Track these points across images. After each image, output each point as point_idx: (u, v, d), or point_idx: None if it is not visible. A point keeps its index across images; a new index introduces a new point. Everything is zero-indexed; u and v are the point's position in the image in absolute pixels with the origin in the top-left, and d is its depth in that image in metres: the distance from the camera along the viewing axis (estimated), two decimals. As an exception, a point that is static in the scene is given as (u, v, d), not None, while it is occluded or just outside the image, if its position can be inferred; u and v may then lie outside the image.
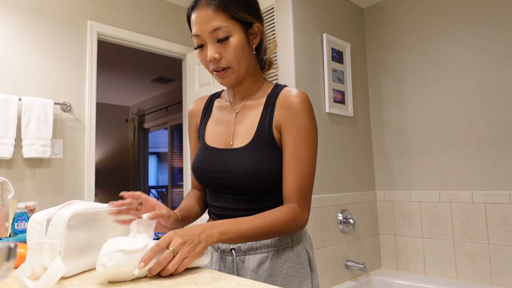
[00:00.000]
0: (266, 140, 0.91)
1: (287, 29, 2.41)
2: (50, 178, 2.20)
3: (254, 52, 0.96)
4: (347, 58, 2.78)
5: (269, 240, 0.90)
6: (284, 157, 0.90)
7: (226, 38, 0.88)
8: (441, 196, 2.55)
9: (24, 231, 1.31)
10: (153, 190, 6.35)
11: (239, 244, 0.92)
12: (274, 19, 2.49)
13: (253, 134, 0.92)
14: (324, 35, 2.60)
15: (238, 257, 0.93)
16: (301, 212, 0.88)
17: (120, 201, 0.82)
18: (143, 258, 0.67)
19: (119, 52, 3.90)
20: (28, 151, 2.07)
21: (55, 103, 2.20)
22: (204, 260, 0.75)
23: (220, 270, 0.94)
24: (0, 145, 1.98)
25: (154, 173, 6.45)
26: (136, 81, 5.15)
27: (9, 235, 1.36)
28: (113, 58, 4.14)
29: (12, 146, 2.02)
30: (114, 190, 5.89)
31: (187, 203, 1.02)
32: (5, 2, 2.13)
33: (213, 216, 0.99)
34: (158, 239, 0.73)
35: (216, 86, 2.65)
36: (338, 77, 2.68)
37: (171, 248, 0.69)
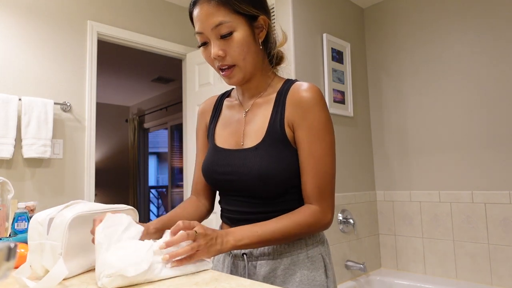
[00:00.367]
0: (278, 139, 0.86)
1: (287, 29, 2.41)
2: (50, 178, 2.20)
3: (261, 47, 0.90)
4: (347, 58, 2.78)
5: (282, 244, 0.86)
6: (300, 157, 0.85)
7: (230, 34, 0.84)
8: (441, 196, 2.55)
9: (24, 231, 1.31)
10: (153, 190, 6.35)
11: (251, 249, 0.87)
12: (274, 19, 2.49)
13: (263, 133, 0.88)
14: (324, 35, 2.60)
15: (250, 263, 0.88)
16: (322, 213, 0.83)
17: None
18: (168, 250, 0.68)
19: (119, 52, 3.90)
20: (28, 151, 2.07)
21: (55, 103, 2.20)
22: (206, 265, 0.73)
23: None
24: (0, 145, 1.98)
25: (154, 173, 6.45)
26: (136, 81, 5.15)
27: (9, 235, 1.36)
28: (113, 58, 4.14)
29: (12, 146, 2.02)
30: (114, 190, 5.89)
31: (175, 213, 0.95)
32: (5, 2, 2.13)
33: (225, 220, 0.96)
34: None
35: (215, 86, 2.67)
36: (338, 77, 2.68)
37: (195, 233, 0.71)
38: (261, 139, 0.87)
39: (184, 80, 2.99)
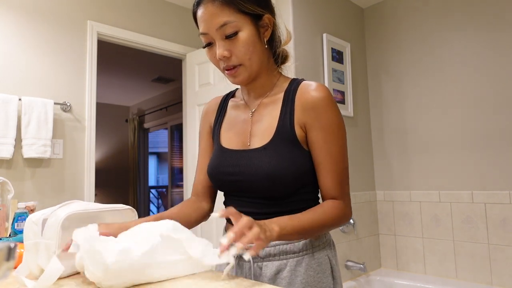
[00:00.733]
0: (288, 139, 0.85)
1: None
2: (50, 178, 2.20)
3: (267, 46, 0.90)
4: (347, 58, 2.78)
5: (288, 245, 0.86)
6: (317, 157, 0.85)
7: (235, 34, 0.83)
8: (441, 196, 2.55)
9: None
10: (153, 190, 6.35)
11: None
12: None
13: (272, 133, 0.87)
14: (324, 35, 2.60)
15: (255, 264, 0.87)
16: (347, 208, 0.86)
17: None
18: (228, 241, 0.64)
19: (119, 52, 3.90)
20: (28, 151, 2.07)
21: (55, 103, 2.20)
22: (208, 266, 0.71)
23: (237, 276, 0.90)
24: (0, 145, 1.98)
25: (154, 173, 6.45)
26: (136, 81, 5.15)
27: (9, 235, 1.36)
28: (113, 58, 4.14)
29: (12, 146, 2.02)
30: (114, 190, 5.89)
31: (170, 213, 0.92)
32: (5, 2, 2.13)
33: (231, 222, 0.93)
34: None
35: (215, 86, 2.67)
36: (338, 77, 2.68)
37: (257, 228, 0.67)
38: (270, 139, 0.86)
39: (184, 80, 2.99)
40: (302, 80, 0.93)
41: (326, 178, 0.86)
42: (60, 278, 0.69)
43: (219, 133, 0.99)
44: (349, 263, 2.54)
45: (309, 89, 0.87)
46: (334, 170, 0.85)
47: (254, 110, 0.94)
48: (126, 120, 6.29)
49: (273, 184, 0.83)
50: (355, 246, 2.65)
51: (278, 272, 0.85)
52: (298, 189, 0.87)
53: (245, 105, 0.98)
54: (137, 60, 4.28)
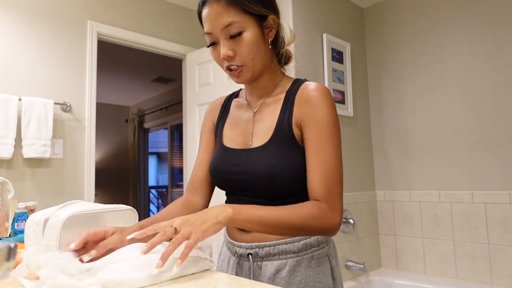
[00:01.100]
0: (286, 138, 0.86)
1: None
2: (50, 178, 2.20)
3: (270, 46, 0.90)
4: (347, 58, 2.78)
5: (288, 245, 0.86)
6: (308, 154, 0.83)
7: (239, 34, 0.83)
8: (441, 196, 2.55)
9: (24, 231, 1.31)
10: (153, 190, 6.35)
11: (257, 250, 0.87)
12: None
13: (271, 132, 0.87)
14: (324, 35, 2.60)
15: (255, 263, 0.88)
16: (331, 211, 0.79)
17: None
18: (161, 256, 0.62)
19: (119, 52, 3.90)
20: (28, 151, 2.07)
21: (55, 103, 2.20)
22: (207, 265, 0.71)
23: (237, 276, 0.89)
24: (0, 145, 1.98)
25: (154, 173, 6.45)
26: (136, 81, 5.15)
27: (9, 235, 1.36)
28: (113, 58, 4.14)
29: (12, 146, 2.02)
30: (114, 190, 5.89)
31: (160, 216, 0.90)
32: (5, 2, 2.13)
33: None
34: None
35: (215, 86, 2.67)
36: (338, 77, 2.68)
37: (174, 225, 0.66)
38: (269, 138, 0.87)
39: (184, 80, 2.99)
40: (305, 80, 0.93)
41: (313, 177, 0.82)
42: None
43: (222, 132, 0.99)
44: (349, 263, 2.54)
45: (308, 88, 0.88)
46: (321, 170, 0.81)
47: (256, 110, 0.95)
48: (126, 120, 6.29)
49: (272, 183, 0.84)
50: (355, 246, 2.65)
51: (277, 271, 0.86)
52: (298, 188, 0.87)
53: (248, 105, 0.98)
54: (137, 60, 4.28)
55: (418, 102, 2.72)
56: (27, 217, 1.34)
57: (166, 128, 5.84)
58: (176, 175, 5.75)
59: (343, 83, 2.72)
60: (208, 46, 0.89)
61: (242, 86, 1.02)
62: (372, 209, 2.86)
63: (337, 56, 2.69)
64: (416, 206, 2.67)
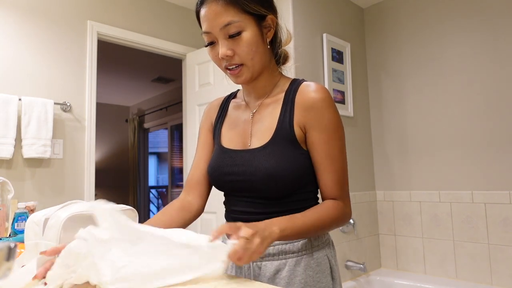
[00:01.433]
0: (287, 138, 0.86)
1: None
2: (50, 178, 2.20)
3: (269, 46, 0.90)
4: (347, 58, 2.78)
5: (287, 245, 0.86)
6: (317, 157, 0.86)
7: (238, 34, 0.83)
8: (441, 196, 2.55)
9: (24, 231, 1.31)
10: (153, 190, 6.35)
11: None
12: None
13: (272, 133, 0.87)
14: (324, 35, 2.60)
15: (255, 263, 0.87)
16: (346, 208, 0.87)
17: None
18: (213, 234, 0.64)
19: (119, 52, 3.90)
20: (28, 151, 2.07)
21: (55, 103, 2.20)
22: (220, 271, 0.69)
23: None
24: (0, 145, 1.98)
25: (154, 173, 6.45)
26: (136, 81, 5.15)
27: (9, 235, 1.36)
28: (113, 58, 4.14)
29: (12, 146, 2.02)
30: (114, 190, 5.89)
31: (157, 219, 0.90)
32: (5, 2, 2.13)
33: (231, 221, 0.92)
34: None
35: (215, 86, 2.67)
36: (338, 77, 2.68)
37: (246, 235, 0.65)
38: (269, 138, 0.87)
39: (184, 80, 2.99)
40: (303, 80, 0.93)
41: (325, 179, 0.86)
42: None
43: (220, 133, 0.99)
44: (349, 263, 2.54)
45: (309, 90, 0.88)
46: (333, 171, 0.86)
47: (255, 111, 0.94)
48: (126, 120, 6.29)
49: (272, 183, 0.84)
50: (355, 246, 2.65)
51: (277, 272, 0.85)
52: (298, 189, 0.87)
53: (246, 105, 0.98)
54: (137, 60, 4.28)
55: (418, 102, 2.72)
56: (27, 217, 1.34)
57: (166, 128, 5.84)
58: (176, 175, 5.75)
59: (343, 83, 2.72)
60: (206, 46, 0.89)
61: (240, 86, 1.01)
62: (372, 209, 2.86)
63: (337, 56, 2.69)
64: (416, 206, 2.67)
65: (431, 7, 2.68)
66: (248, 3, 0.83)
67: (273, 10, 0.90)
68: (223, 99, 1.07)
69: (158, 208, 6.35)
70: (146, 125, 6.14)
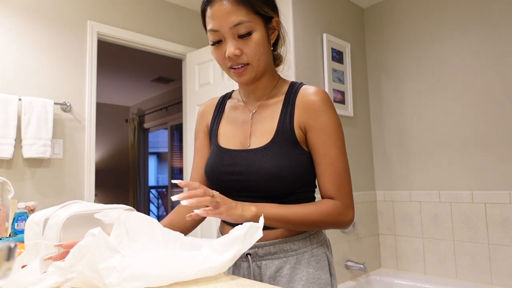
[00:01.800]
0: (288, 139, 0.87)
1: (287, 29, 2.40)
2: (50, 178, 2.20)
3: (272, 48, 0.92)
4: (347, 58, 2.78)
5: (287, 244, 0.87)
6: (316, 159, 0.87)
7: (248, 34, 0.83)
8: (441, 196, 2.55)
9: (24, 231, 1.31)
10: (153, 190, 6.35)
11: (256, 249, 0.87)
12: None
13: (273, 134, 0.88)
14: (324, 35, 2.60)
15: (254, 263, 0.87)
16: (345, 208, 0.86)
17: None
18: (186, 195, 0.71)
19: (119, 52, 3.90)
20: (28, 151, 2.07)
21: (55, 103, 2.20)
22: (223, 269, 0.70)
23: None
24: (0, 145, 1.98)
25: (154, 173, 6.45)
26: (136, 81, 5.15)
27: (9, 235, 1.36)
28: (113, 58, 4.14)
29: (12, 146, 2.02)
30: (114, 190, 5.89)
31: (170, 220, 0.93)
32: (5, 2, 2.13)
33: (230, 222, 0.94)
34: None
35: (215, 86, 2.67)
36: (338, 77, 2.68)
37: (213, 193, 0.74)
38: (270, 139, 0.88)
39: (184, 80, 2.99)
40: (302, 83, 0.95)
41: (324, 179, 0.87)
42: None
43: (217, 133, 0.98)
44: (349, 263, 2.54)
45: (309, 93, 0.90)
46: (332, 171, 0.86)
47: (255, 111, 0.95)
48: (126, 120, 6.29)
49: (273, 183, 0.84)
50: (355, 246, 2.65)
51: (278, 270, 0.86)
52: (297, 188, 0.88)
53: (245, 106, 0.98)
54: (137, 60, 4.28)
55: (418, 102, 2.72)
56: (27, 217, 1.34)
57: (166, 128, 5.84)
58: (176, 175, 5.75)
59: (343, 83, 2.72)
60: (212, 44, 0.88)
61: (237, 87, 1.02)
62: (372, 209, 2.86)
63: (337, 56, 2.69)
64: (416, 206, 2.67)
65: (431, 7, 2.68)
66: (259, 4, 0.84)
67: (277, 13, 0.92)
68: (218, 99, 1.06)
69: (158, 208, 6.35)
70: (146, 125, 6.14)
